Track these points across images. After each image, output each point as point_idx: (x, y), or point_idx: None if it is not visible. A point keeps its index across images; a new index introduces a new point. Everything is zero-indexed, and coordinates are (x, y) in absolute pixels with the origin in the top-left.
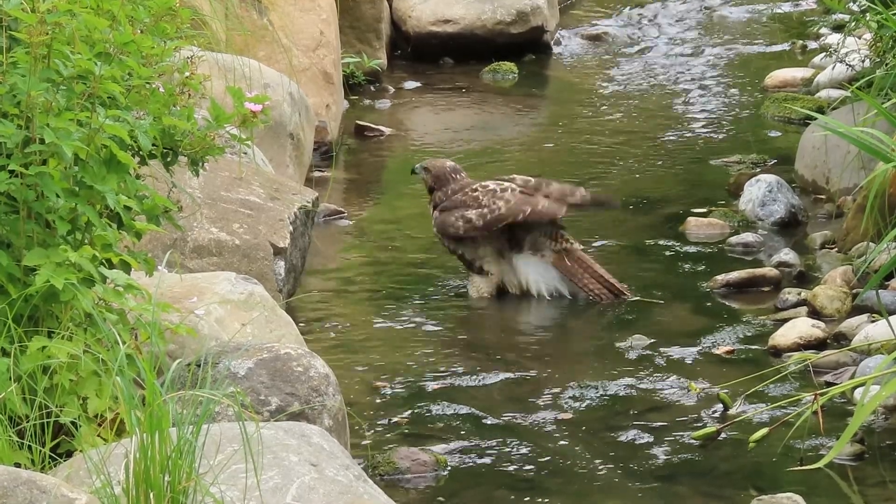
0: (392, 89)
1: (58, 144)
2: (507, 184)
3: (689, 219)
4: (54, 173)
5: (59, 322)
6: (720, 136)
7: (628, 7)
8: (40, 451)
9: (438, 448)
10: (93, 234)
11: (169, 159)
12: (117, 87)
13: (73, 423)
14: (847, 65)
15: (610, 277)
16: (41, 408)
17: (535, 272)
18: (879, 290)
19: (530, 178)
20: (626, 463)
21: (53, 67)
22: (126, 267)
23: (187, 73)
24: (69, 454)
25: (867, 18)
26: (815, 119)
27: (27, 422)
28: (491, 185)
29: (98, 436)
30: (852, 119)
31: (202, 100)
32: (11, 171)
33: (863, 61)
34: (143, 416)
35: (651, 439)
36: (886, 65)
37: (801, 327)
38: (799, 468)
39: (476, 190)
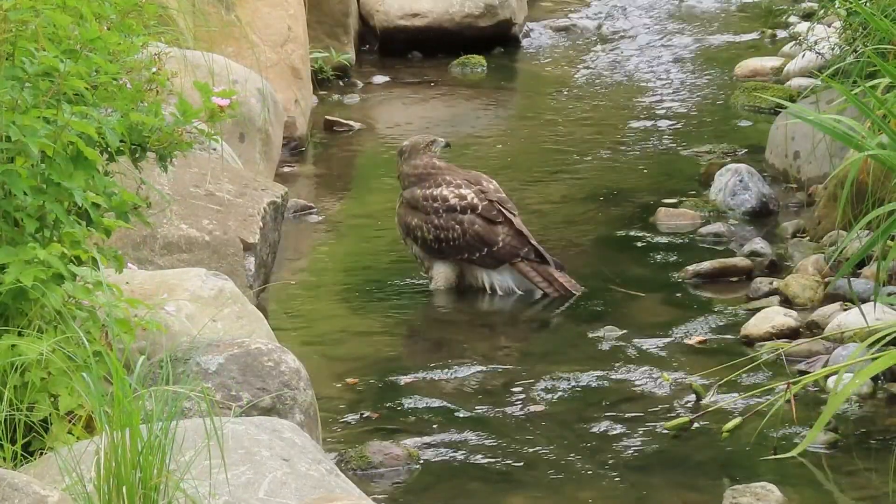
0: (361, 84)
1: (24, 142)
2: (468, 194)
3: (660, 209)
4: (21, 171)
5: (29, 320)
6: (690, 127)
7: None
8: (12, 448)
9: (411, 442)
10: (61, 231)
11: (137, 155)
12: (83, 83)
13: (43, 421)
14: (817, 53)
15: (559, 276)
16: (12, 405)
17: (487, 274)
18: (851, 279)
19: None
20: (599, 454)
21: (18, 65)
22: (95, 264)
23: (154, 70)
24: (42, 451)
25: (836, 6)
26: (786, 108)
27: None
28: (451, 198)
29: (69, 433)
30: (821, 107)
31: (170, 96)
32: None
33: (832, 49)
34: (113, 412)
35: (624, 430)
36: (856, 52)
37: (773, 316)
38: (772, 457)
39: (440, 186)
